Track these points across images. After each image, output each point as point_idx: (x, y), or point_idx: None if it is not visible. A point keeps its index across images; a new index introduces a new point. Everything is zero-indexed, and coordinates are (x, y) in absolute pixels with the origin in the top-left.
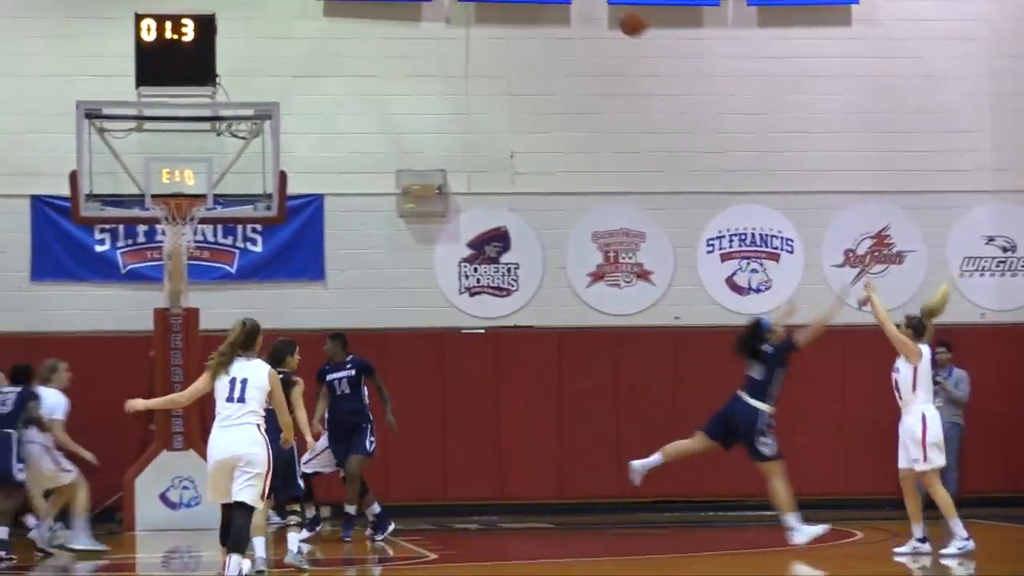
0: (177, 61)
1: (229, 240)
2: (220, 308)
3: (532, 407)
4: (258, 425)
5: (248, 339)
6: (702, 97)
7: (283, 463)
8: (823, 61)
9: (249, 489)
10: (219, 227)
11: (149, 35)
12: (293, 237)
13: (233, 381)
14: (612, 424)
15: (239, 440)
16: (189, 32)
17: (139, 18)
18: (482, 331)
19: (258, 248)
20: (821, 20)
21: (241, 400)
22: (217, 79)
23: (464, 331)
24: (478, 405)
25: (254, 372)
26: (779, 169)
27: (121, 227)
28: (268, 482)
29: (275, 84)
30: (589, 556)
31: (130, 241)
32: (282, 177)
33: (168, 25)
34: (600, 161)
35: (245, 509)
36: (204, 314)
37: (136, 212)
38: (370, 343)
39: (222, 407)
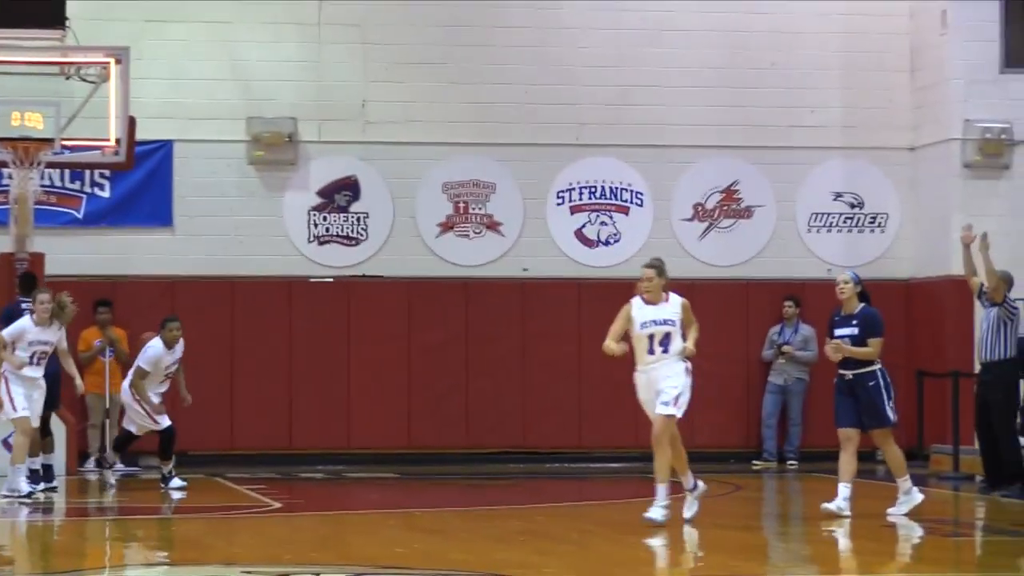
0: (26, 3)
1: (76, 185)
2: (66, 253)
3: (381, 357)
4: None
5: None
6: (555, 49)
7: None
8: (677, 15)
9: None
10: (67, 172)
11: None
12: (141, 183)
13: None
14: (461, 374)
15: None
16: None
17: None
18: (331, 280)
19: (106, 193)
20: None
21: None
22: (67, 22)
23: (312, 280)
24: (326, 354)
25: None
26: (630, 122)
27: None
28: None
29: (125, 28)
30: (431, 506)
31: None
32: (131, 122)
33: None
34: (452, 111)
35: None
36: (50, 259)
37: None
38: (218, 291)
39: None
